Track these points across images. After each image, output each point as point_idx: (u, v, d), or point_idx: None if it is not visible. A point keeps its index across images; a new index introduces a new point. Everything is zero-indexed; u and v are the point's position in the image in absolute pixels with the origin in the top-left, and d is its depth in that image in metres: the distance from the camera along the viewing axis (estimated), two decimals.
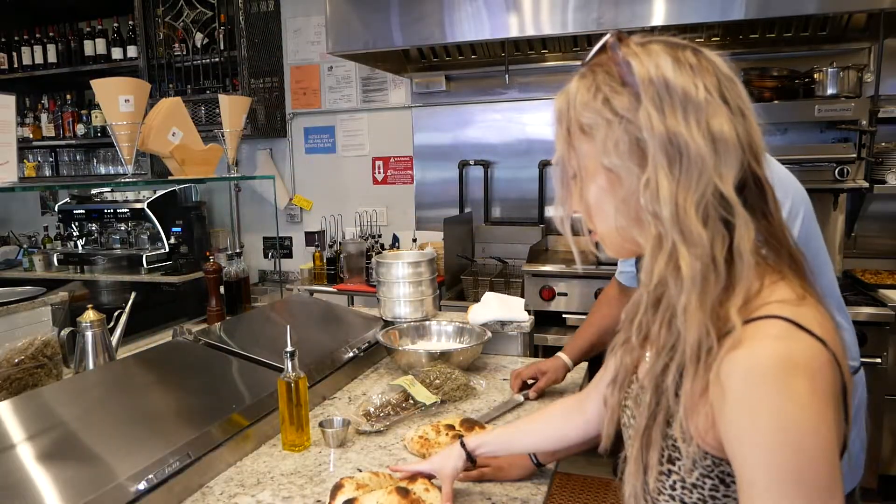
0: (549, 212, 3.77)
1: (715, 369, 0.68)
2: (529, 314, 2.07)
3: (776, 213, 0.76)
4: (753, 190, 0.74)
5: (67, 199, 4.43)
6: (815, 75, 2.88)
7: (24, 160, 4.66)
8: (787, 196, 1.25)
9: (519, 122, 3.75)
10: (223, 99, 2.10)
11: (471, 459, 1.17)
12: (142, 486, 1.14)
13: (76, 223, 4.37)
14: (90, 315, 1.64)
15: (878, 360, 2.69)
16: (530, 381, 1.71)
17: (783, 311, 0.68)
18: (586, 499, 3.02)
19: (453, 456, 1.17)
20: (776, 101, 2.93)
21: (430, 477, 1.20)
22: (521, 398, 1.67)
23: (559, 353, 1.76)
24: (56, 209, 4.47)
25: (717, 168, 0.70)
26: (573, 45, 3.44)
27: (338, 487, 1.16)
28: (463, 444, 1.17)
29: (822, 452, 0.64)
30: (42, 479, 1.09)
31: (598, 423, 1.09)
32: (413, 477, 1.19)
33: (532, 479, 1.28)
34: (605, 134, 0.75)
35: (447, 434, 1.39)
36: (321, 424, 1.46)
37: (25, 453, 1.13)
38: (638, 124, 0.73)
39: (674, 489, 0.78)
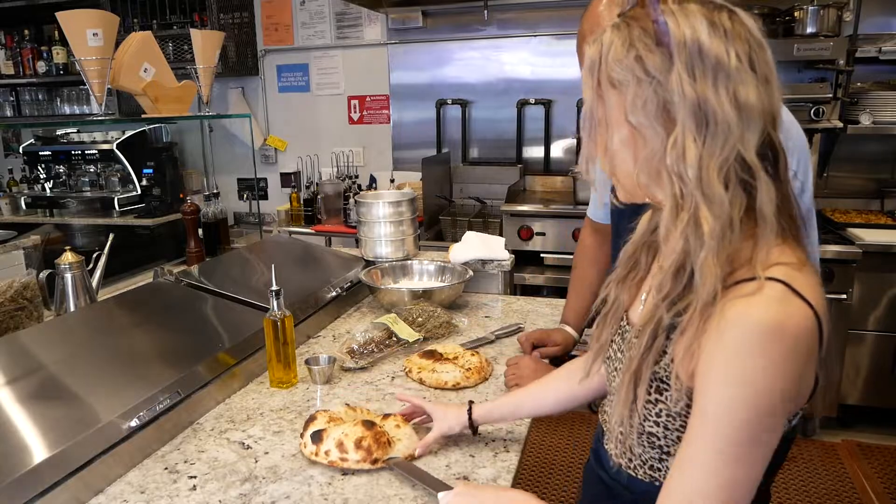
0: (528, 153, 3.76)
1: (717, 318, 0.73)
2: (509, 253, 2.09)
3: (785, 176, 0.79)
4: (769, 155, 0.77)
5: (32, 141, 4.29)
6: (796, 13, 2.87)
7: None
8: (796, 147, 1.23)
9: (497, 60, 3.69)
10: (195, 34, 2.03)
11: (472, 429, 1.18)
12: (133, 423, 1.15)
13: (42, 165, 4.24)
14: (68, 257, 1.61)
15: (844, 297, 2.79)
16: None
17: (784, 274, 0.73)
18: (562, 432, 3.13)
19: (458, 420, 1.17)
20: None
21: (409, 416, 1.23)
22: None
23: (562, 325, 1.71)
24: (21, 151, 4.33)
25: (742, 135, 0.73)
26: None
27: (311, 419, 1.19)
28: (470, 414, 1.17)
29: (773, 408, 0.71)
30: (30, 420, 1.10)
31: (603, 381, 1.12)
32: (387, 415, 1.20)
33: None
34: (635, 92, 0.76)
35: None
36: (307, 362, 1.48)
37: (10, 395, 1.13)
38: (668, 87, 0.74)
39: (659, 416, 0.84)
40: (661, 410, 0.84)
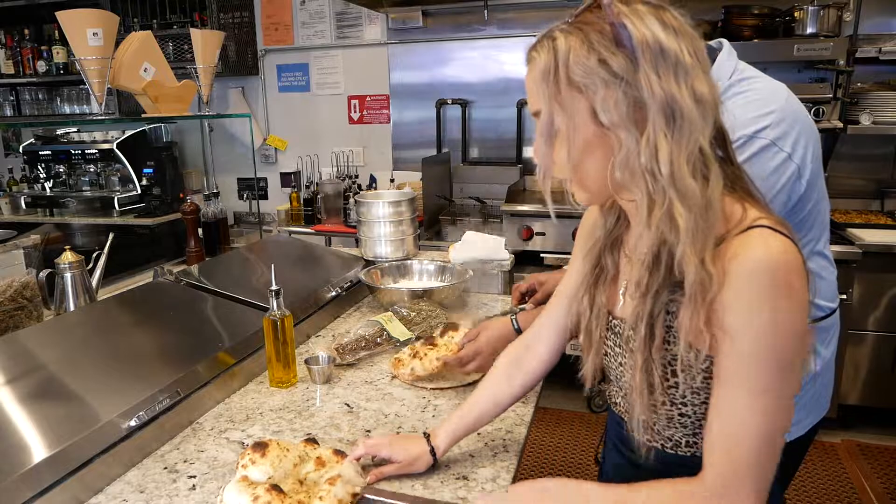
0: (528, 152, 3.75)
1: (723, 274, 0.76)
2: (509, 253, 2.09)
3: (733, 156, 0.85)
4: (720, 140, 0.82)
5: (32, 140, 4.29)
6: (796, 13, 2.87)
7: None
8: (802, 132, 1.22)
9: (497, 59, 3.69)
10: (195, 33, 2.02)
11: (435, 464, 1.11)
12: (133, 422, 1.15)
13: (42, 165, 4.24)
14: (68, 256, 1.61)
15: (844, 297, 2.78)
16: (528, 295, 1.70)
17: (767, 222, 0.78)
18: (561, 432, 3.13)
19: (421, 460, 1.09)
20: (755, 40, 2.92)
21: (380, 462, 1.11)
22: (517, 310, 1.66)
23: (565, 267, 1.75)
24: (20, 150, 4.33)
25: (703, 127, 0.77)
26: None
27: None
28: (433, 451, 1.10)
29: (797, 330, 0.76)
30: (30, 419, 1.09)
31: (555, 356, 1.14)
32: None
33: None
34: (604, 94, 0.77)
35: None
36: (307, 361, 1.48)
37: (11, 394, 1.13)
38: (638, 87, 0.76)
39: (684, 396, 0.87)
40: (684, 391, 0.86)
